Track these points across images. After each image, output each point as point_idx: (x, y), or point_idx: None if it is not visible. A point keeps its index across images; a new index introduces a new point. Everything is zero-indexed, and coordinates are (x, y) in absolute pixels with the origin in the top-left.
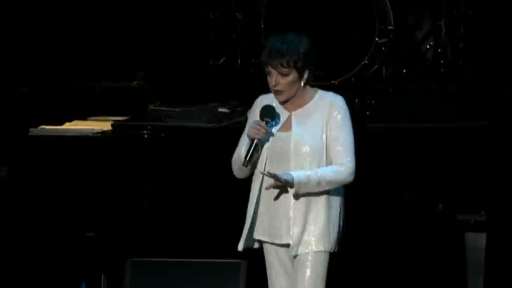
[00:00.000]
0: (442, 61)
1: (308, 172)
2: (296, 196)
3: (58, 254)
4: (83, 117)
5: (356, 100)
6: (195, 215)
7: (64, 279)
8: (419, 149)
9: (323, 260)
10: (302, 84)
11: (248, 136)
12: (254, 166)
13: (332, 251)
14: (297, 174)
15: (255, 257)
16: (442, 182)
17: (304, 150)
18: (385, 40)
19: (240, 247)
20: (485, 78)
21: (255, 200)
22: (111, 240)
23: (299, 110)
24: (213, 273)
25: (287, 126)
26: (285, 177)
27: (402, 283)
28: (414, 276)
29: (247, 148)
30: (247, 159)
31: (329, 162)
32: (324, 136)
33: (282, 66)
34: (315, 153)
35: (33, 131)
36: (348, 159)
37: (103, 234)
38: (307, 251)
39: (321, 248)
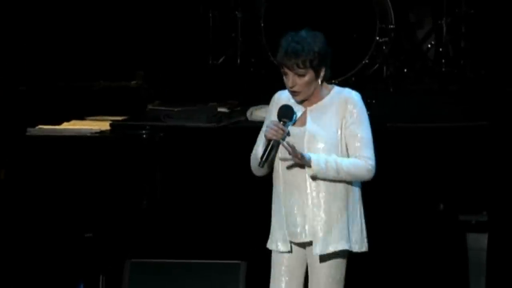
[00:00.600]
0: (443, 60)
1: (328, 158)
2: (311, 195)
3: (56, 255)
4: (81, 116)
5: None
6: (194, 215)
7: (62, 280)
8: (420, 149)
9: (343, 260)
10: (319, 82)
11: (265, 136)
12: (271, 165)
13: (353, 250)
14: (316, 156)
15: (255, 258)
16: (443, 182)
17: (318, 146)
18: (386, 39)
19: (283, 247)
20: (487, 78)
21: (280, 199)
22: (109, 241)
23: (314, 106)
24: (212, 274)
25: (301, 121)
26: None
27: (404, 283)
28: (416, 277)
29: (263, 148)
30: (263, 160)
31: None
32: (339, 132)
33: (298, 67)
34: (330, 149)
35: (31, 131)
36: (368, 155)
37: (101, 235)
38: (328, 251)
39: (343, 247)
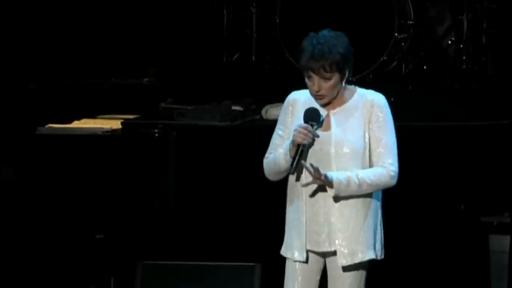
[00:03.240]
0: (464, 57)
1: (348, 174)
2: (337, 202)
3: (66, 257)
4: (93, 115)
5: None
6: (208, 216)
7: (73, 283)
8: (441, 149)
9: (366, 268)
10: (343, 84)
11: (293, 141)
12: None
13: (378, 258)
14: (336, 175)
15: (270, 260)
16: (464, 183)
17: (345, 150)
18: (405, 35)
19: (300, 256)
20: (509, 75)
21: (299, 207)
22: (121, 242)
23: (337, 109)
24: (227, 276)
25: (326, 126)
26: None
27: (425, 286)
28: (437, 279)
29: (293, 154)
30: (294, 166)
31: (371, 164)
32: (366, 135)
33: (325, 70)
34: (357, 154)
35: (41, 130)
36: (390, 161)
37: (113, 236)
38: (355, 261)
39: (371, 256)
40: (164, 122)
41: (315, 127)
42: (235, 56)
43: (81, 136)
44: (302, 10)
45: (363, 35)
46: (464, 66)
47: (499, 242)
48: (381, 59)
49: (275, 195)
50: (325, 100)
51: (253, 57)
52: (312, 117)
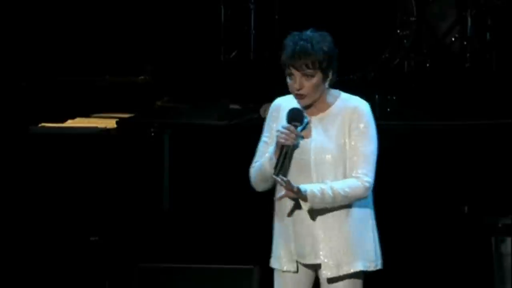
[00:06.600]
0: (468, 55)
1: (323, 186)
2: (321, 213)
3: (59, 260)
4: (86, 114)
5: (376, 96)
6: (205, 218)
7: (66, 287)
8: (444, 148)
9: (359, 281)
10: (326, 86)
11: (277, 143)
12: (273, 180)
13: (370, 269)
14: (310, 188)
15: (268, 263)
16: (467, 184)
17: (326, 158)
18: (407, 32)
19: (289, 266)
20: None
21: (287, 219)
22: (116, 245)
23: (320, 115)
24: (225, 279)
25: (307, 133)
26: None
27: None
28: (440, 281)
29: (277, 156)
30: (278, 169)
31: (346, 173)
32: (346, 142)
33: (307, 67)
34: (338, 162)
35: (33, 129)
36: (365, 171)
37: (108, 239)
38: (341, 273)
39: (359, 268)
40: (160, 121)
41: (298, 128)
42: (233, 54)
43: (75, 135)
44: (301, 6)
45: (364, 32)
46: (468, 64)
47: (503, 244)
48: (383, 56)
49: (273, 196)
50: (306, 101)
51: (252, 55)
52: (295, 117)
